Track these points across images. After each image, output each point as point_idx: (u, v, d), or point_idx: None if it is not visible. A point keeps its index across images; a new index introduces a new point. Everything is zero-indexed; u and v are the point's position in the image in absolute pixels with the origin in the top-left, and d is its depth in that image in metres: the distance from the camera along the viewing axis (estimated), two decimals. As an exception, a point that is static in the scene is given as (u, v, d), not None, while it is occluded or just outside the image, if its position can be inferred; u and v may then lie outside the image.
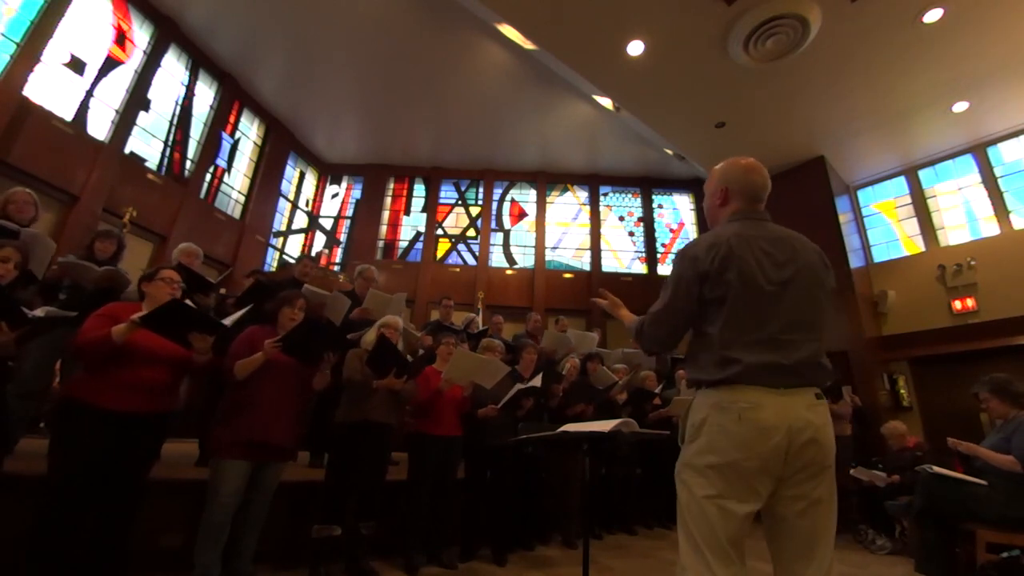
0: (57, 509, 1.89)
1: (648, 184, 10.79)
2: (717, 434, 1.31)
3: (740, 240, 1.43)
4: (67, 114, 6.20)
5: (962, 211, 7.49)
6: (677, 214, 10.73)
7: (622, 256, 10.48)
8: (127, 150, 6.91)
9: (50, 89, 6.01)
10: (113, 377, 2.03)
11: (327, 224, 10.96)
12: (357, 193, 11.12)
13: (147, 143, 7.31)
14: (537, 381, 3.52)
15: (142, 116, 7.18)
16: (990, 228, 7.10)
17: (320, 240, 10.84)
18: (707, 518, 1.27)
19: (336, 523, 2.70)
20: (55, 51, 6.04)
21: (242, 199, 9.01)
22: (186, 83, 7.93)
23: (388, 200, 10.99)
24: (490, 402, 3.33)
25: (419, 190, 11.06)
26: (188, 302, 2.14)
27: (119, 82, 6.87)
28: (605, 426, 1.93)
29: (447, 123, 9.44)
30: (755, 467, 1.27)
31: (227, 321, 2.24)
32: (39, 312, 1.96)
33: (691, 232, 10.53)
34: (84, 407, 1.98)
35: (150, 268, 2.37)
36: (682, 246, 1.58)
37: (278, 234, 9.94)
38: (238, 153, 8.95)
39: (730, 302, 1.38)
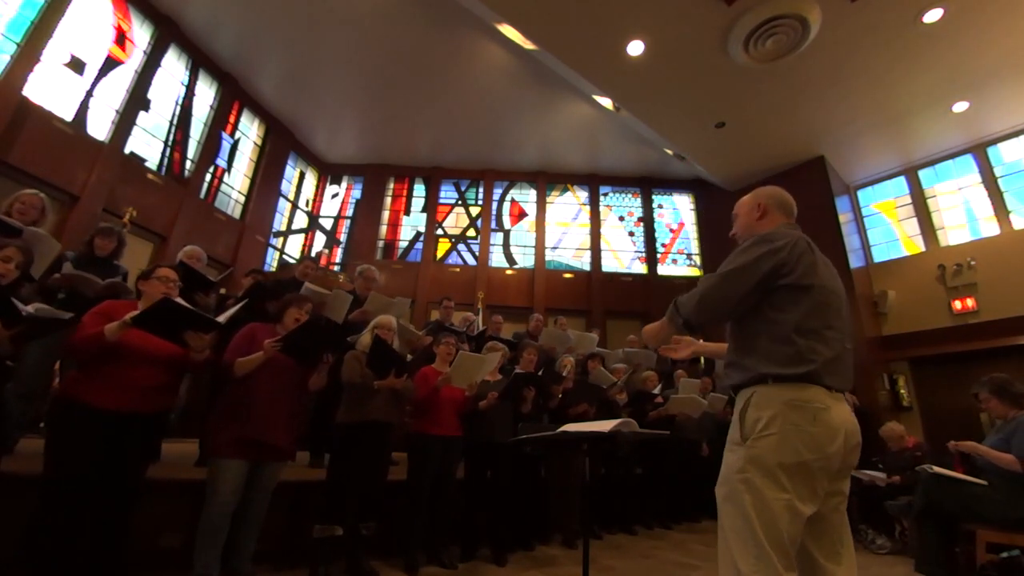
0: (53, 508, 1.89)
1: (648, 184, 10.79)
2: (792, 433, 1.30)
3: (810, 243, 1.50)
4: (67, 114, 6.19)
5: (962, 211, 7.50)
6: (677, 214, 10.73)
7: (622, 256, 10.48)
8: (127, 150, 6.90)
9: (50, 89, 6.01)
10: (108, 376, 2.02)
11: (327, 224, 10.95)
12: (357, 193, 11.12)
13: (147, 143, 7.30)
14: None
15: (142, 116, 7.18)
16: (990, 228, 7.11)
17: (320, 240, 10.84)
18: (777, 520, 1.25)
19: (337, 523, 2.70)
20: (55, 51, 6.04)
21: (242, 199, 9.00)
22: (186, 83, 7.93)
23: (388, 200, 10.99)
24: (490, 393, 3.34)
25: (419, 190, 11.06)
26: (180, 300, 2.12)
27: (119, 82, 6.86)
28: (605, 426, 1.92)
29: (447, 123, 9.43)
30: (821, 468, 1.30)
31: (221, 318, 2.23)
32: (31, 308, 1.94)
33: (691, 232, 10.52)
34: (79, 406, 1.96)
35: (148, 266, 2.33)
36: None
37: (278, 234, 9.93)
38: (238, 153, 8.94)
39: (813, 294, 1.42)
